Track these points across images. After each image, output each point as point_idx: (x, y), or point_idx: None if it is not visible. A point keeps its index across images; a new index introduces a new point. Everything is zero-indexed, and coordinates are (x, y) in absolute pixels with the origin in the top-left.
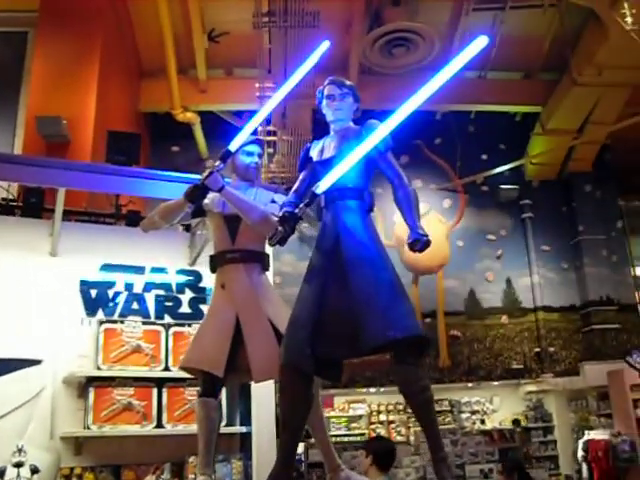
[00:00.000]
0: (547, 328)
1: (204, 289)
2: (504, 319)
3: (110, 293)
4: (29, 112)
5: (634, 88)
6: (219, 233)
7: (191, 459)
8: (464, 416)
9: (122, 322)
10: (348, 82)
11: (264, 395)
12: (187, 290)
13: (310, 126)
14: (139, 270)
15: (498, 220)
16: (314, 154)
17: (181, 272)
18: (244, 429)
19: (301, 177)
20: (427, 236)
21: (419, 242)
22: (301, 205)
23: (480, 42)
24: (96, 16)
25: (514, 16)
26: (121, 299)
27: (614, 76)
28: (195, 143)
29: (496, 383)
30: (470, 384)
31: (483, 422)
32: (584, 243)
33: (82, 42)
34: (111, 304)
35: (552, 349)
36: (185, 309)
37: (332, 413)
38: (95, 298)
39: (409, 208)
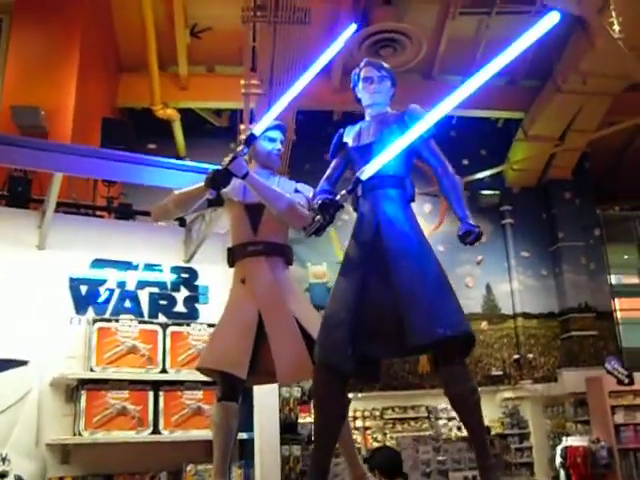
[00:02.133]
0: (526, 334)
1: (199, 287)
2: (484, 325)
3: (101, 290)
4: (4, 101)
5: (614, 97)
6: (239, 224)
7: (189, 467)
8: (441, 422)
9: (117, 321)
10: (386, 65)
11: (267, 399)
12: (182, 288)
13: (293, 126)
14: (132, 266)
15: (479, 225)
16: (349, 140)
17: (176, 269)
18: (245, 435)
19: (333, 164)
20: (479, 227)
21: (471, 233)
22: (343, 192)
23: (552, 18)
24: (76, 6)
25: (499, 22)
26: (113, 297)
27: (598, 84)
28: (173, 141)
29: None
30: None
31: (460, 429)
32: (563, 250)
33: (61, 32)
34: (102, 302)
35: (531, 355)
36: (180, 308)
37: (308, 419)
38: (85, 295)
39: (457, 198)
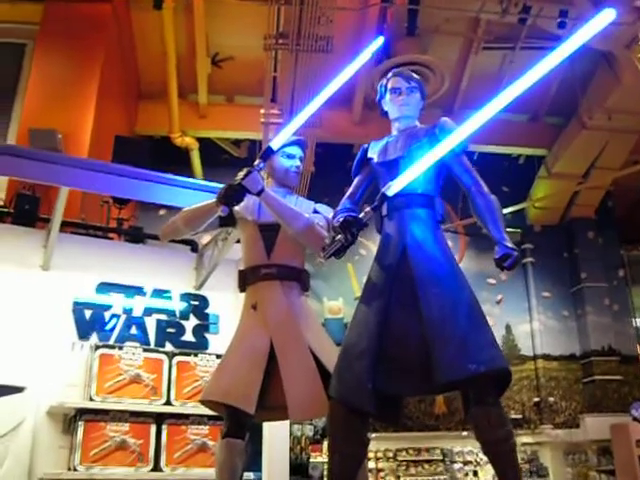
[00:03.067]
0: (547, 377)
1: (209, 316)
2: None
3: (106, 315)
4: (22, 125)
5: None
6: (252, 245)
7: None
8: (456, 466)
9: (121, 348)
10: (416, 75)
11: (278, 437)
12: (192, 316)
13: (313, 159)
14: (139, 291)
15: None
16: (374, 155)
17: (186, 296)
18: (252, 475)
19: (356, 181)
20: (517, 250)
21: (509, 257)
22: (367, 209)
23: (607, 15)
24: (99, 34)
25: (523, 57)
26: (118, 323)
27: (624, 121)
28: (190, 171)
29: None
30: (465, 432)
31: (475, 474)
32: (586, 291)
33: (83, 58)
34: (107, 328)
35: (551, 399)
36: (189, 337)
37: (319, 458)
38: (89, 320)
39: (493, 218)
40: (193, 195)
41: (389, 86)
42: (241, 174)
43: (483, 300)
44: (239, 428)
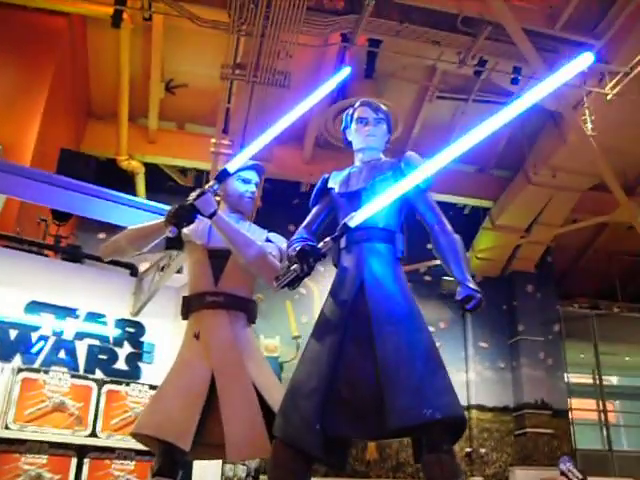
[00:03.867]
0: (480, 428)
1: (144, 344)
2: None
3: (34, 337)
4: None
5: (581, 194)
6: (199, 270)
7: None
8: None
9: (46, 372)
10: (384, 107)
11: (208, 476)
12: (126, 344)
13: (260, 193)
14: (72, 313)
15: (438, 312)
16: (335, 185)
17: (121, 322)
18: None
19: (315, 211)
20: (481, 293)
21: (472, 299)
22: (327, 239)
23: (585, 59)
24: (51, 47)
25: (475, 109)
26: (46, 345)
27: (567, 180)
28: (133, 194)
29: None
30: None
31: None
32: (522, 343)
33: (32, 70)
34: (32, 350)
35: (483, 450)
36: (121, 365)
37: None
38: (14, 340)
39: (456, 258)
40: (138, 215)
41: (355, 116)
42: (194, 194)
43: None
44: (172, 466)
